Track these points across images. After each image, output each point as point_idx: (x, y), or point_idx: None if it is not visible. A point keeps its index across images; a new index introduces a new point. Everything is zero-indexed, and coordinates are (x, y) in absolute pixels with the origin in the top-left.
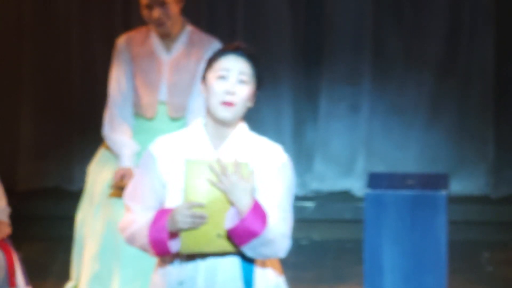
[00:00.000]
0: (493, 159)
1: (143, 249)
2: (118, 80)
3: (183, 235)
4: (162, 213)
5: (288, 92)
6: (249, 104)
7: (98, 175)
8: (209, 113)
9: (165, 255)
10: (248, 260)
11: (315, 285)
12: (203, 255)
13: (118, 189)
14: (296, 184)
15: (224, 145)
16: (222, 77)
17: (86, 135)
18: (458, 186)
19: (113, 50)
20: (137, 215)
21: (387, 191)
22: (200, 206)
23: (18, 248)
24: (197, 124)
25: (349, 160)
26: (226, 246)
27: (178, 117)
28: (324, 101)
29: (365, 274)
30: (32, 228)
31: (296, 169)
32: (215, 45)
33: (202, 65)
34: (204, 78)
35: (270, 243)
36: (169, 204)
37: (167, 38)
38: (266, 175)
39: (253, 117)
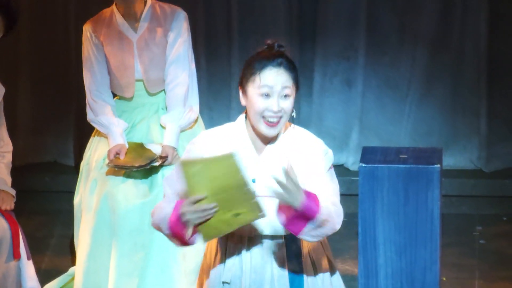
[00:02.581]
0: (486, 133)
1: (168, 239)
2: (90, 66)
3: (200, 228)
4: (179, 208)
5: None
6: (293, 113)
7: (92, 158)
8: (251, 121)
9: (188, 245)
10: (296, 260)
11: None
12: (248, 255)
13: (115, 166)
14: None
15: (267, 149)
16: (264, 95)
17: (83, 110)
18: (451, 160)
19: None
20: (165, 202)
21: (381, 165)
22: (202, 198)
23: None
24: (240, 123)
25: (343, 135)
26: (248, 218)
27: (157, 92)
28: (318, 76)
29: (360, 247)
30: (29, 203)
31: None
32: (179, 14)
33: (171, 37)
34: (242, 85)
35: (326, 221)
36: None
37: (131, 18)
38: (307, 164)
39: None
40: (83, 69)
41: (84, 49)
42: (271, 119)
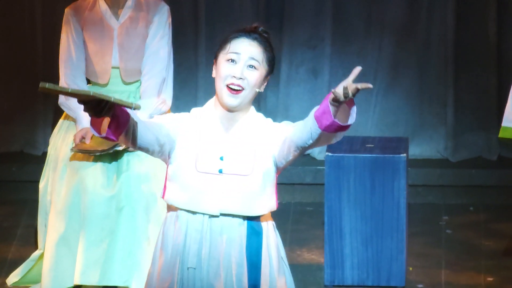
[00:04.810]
0: (453, 123)
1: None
2: (68, 49)
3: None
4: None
5: None
6: (258, 89)
7: (61, 142)
8: (217, 96)
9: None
10: (256, 251)
11: None
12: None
13: (78, 151)
14: None
15: (234, 129)
16: (231, 61)
17: (50, 100)
18: (417, 150)
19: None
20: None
21: (347, 155)
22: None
23: None
24: (209, 104)
25: None
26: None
27: (132, 82)
28: (285, 65)
29: (326, 237)
30: None
31: None
32: (163, 7)
33: (152, 28)
34: (215, 57)
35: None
36: (180, 160)
37: (115, 5)
38: (276, 135)
39: (214, 82)
40: (60, 51)
41: (63, 32)
42: (233, 87)
